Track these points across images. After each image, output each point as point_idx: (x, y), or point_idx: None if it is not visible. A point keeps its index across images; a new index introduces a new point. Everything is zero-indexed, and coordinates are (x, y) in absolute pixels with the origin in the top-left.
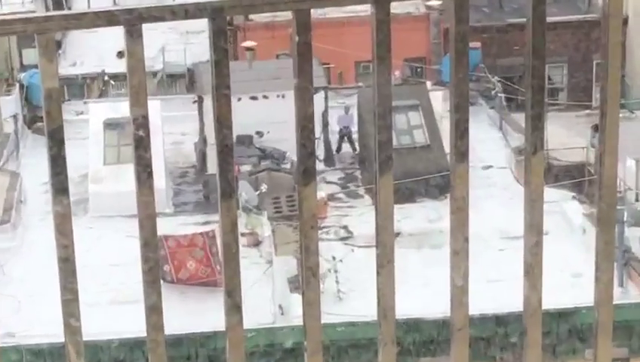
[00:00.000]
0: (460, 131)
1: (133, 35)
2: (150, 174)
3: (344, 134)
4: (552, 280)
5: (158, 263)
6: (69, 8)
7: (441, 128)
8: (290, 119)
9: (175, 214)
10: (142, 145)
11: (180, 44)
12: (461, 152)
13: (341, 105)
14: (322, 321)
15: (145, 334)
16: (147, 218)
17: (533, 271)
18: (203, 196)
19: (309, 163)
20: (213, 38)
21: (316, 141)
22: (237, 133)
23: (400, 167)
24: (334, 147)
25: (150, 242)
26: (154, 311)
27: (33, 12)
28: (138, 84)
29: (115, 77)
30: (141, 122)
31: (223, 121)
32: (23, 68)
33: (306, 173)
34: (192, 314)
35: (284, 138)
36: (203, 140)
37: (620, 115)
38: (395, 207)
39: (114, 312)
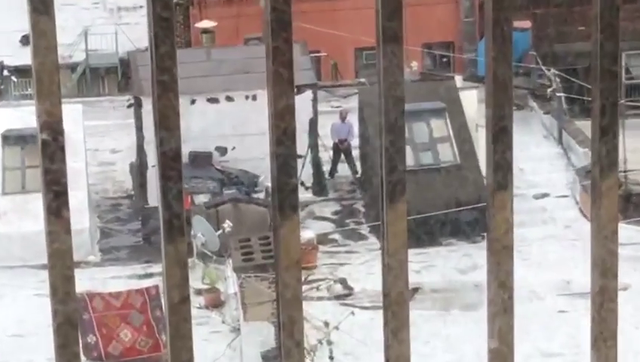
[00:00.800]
0: (501, 145)
1: (39, 6)
2: (62, 194)
3: (340, 150)
4: (632, 354)
5: (75, 319)
6: None
7: (477, 141)
8: (265, 129)
9: (103, 263)
10: (48, 153)
11: (109, 25)
12: (502, 174)
13: (336, 110)
14: None
15: None
16: (56, 255)
17: (604, 339)
18: (142, 238)
19: (289, 187)
20: (152, 5)
21: (302, 160)
22: (190, 150)
23: (419, 195)
24: (327, 168)
25: (60, 289)
26: None
27: None
28: (44, 69)
29: (18, 71)
30: (47, 121)
31: (167, 126)
32: None
33: (285, 203)
34: None
35: (255, 156)
36: (142, 159)
37: None
38: (411, 251)
39: None
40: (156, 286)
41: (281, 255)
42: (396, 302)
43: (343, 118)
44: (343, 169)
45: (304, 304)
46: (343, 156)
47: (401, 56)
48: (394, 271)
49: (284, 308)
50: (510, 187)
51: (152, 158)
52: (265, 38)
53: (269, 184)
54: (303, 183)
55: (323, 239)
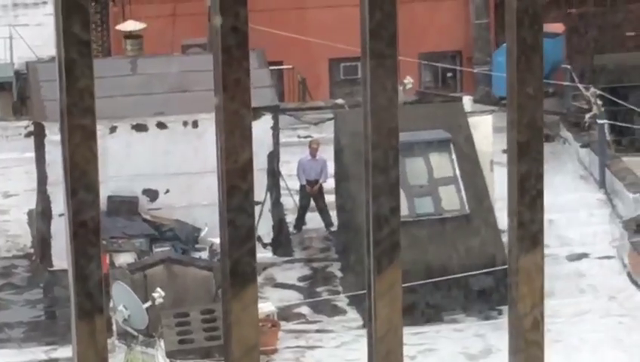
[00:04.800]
0: (528, 192)
1: None
2: None
3: (310, 195)
4: None
5: None
6: None
7: (492, 183)
8: (207, 166)
9: None
10: None
11: (0, 26)
12: (530, 232)
13: (305, 142)
14: None
15: None
16: None
17: None
18: (44, 311)
19: (245, 247)
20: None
21: (259, 208)
22: (108, 193)
23: (415, 255)
24: (292, 219)
25: None
26: None
27: None
28: None
29: None
30: None
31: (84, 166)
32: None
33: (240, 269)
34: None
35: (196, 202)
36: (45, 206)
37: None
38: (404, 330)
39: None
40: None
41: (233, 344)
42: None
43: (313, 153)
44: (313, 219)
45: None
46: (313, 203)
47: (394, 71)
48: (385, 360)
49: None
50: (539, 255)
51: (58, 205)
52: (215, 63)
53: (215, 240)
54: (260, 239)
55: (287, 313)
